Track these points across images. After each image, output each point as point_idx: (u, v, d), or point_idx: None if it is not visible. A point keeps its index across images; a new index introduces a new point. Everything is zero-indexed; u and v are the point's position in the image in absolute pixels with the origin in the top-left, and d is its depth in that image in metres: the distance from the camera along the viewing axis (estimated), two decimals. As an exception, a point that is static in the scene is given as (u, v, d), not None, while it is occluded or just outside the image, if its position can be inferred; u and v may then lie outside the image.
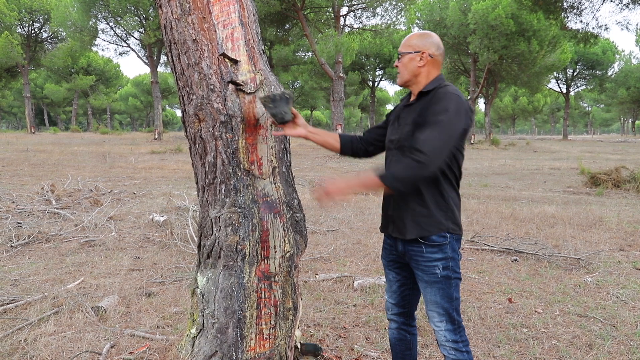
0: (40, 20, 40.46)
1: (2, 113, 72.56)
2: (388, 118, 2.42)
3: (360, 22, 29.86)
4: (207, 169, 2.40)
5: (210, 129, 2.31)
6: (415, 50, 2.19)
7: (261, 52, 2.42)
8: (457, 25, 33.51)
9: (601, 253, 5.55)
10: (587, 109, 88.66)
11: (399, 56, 2.24)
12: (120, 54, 53.65)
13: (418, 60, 2.18)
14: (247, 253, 2.38)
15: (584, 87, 56.99)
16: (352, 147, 2.46)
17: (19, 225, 6.68)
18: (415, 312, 2.53)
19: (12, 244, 5.76)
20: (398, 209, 2.22)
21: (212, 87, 2.26)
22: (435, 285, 2.16)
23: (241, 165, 2.35)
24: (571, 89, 55.42)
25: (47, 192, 9.41)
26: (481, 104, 67.58)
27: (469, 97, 38.77)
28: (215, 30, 2.25)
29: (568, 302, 4.08)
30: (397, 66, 2.25)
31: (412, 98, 2.27)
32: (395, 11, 26.33)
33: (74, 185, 11.01)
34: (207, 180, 2.42)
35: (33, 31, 41.25)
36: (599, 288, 4.44)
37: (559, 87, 55.74)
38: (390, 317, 2.50)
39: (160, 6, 2.33)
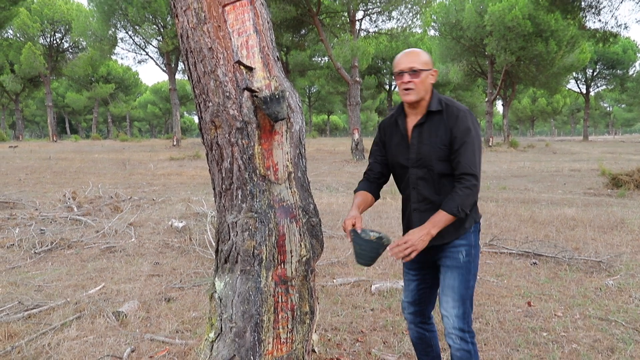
0: (62, 30, 41.38)
1: (26, 122, 74.05)
2: (383, 138, 2.52)
3: (376, 26, 29.78)
4: (223, 175, 2.43)
5: (227, 135, 2.34)
6: (429, 68, 2.26)
7: (276, 58, 2.45)
8: (473, 27, 33.24)
9: (623, 255, 5.45)
10: (608, 109, 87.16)
11: (414, 72, 2.22)
12: (139, 62, 54.34)
13: (432, 78, 2.27)
14: (264, 258, 2.40)
15: (604, 87, 56.04)
16: (379, 187, 2.58)
17: (42, 232, 6.82)
18: (432, 312, 2.60)
19: (36, 251, 5.89)
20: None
21: (227, 94, 2.29)
22: (456, 270, 2.30)
23: (257, 171, 2.37)
24: (591, 89, 54.56)
25: (69, 199, 9.59)
26: (499, 106, 66.81)
27: (486, 100, 38.45)
28: (231, 38, 2.29)
29: (589, 306, 4.02)
30: (411, 82, 2.22)
31: (417, 116, 2.33)
32: (411, 14, 26.21)
33: (94, 192, 11.20)
34: (224, 186, 2.45)
35: (55, 41, 42.19)
36: (620, 291, 4.37)
37: (579, 88, 54.94)
38: (407, 316, 2.61)
39: (177, 16, 2.38)
